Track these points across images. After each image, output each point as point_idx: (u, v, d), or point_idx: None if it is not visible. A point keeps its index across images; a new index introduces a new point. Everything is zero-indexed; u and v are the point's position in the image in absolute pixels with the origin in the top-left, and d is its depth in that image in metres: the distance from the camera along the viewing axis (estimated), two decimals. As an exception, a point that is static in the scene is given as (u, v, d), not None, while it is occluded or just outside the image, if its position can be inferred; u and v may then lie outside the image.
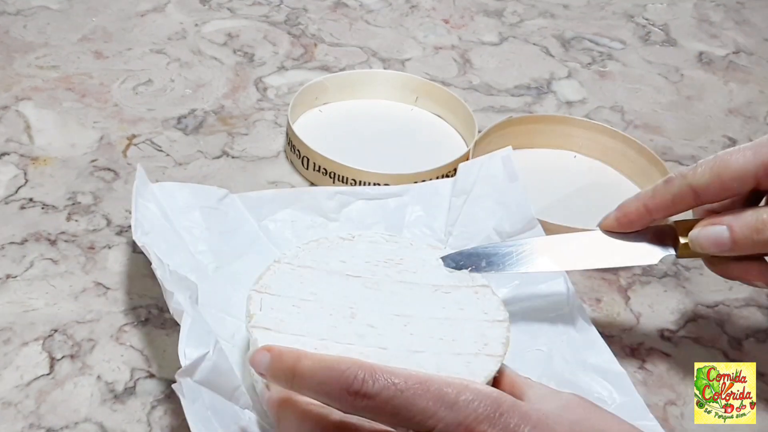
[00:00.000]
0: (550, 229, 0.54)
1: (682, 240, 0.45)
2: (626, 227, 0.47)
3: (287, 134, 0.64)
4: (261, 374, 0.37)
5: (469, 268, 0.47)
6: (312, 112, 0.69)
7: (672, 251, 0.46)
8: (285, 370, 0.36)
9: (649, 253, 0.47)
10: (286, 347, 0.37)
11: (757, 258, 0.44)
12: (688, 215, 0.47)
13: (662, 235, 0.47)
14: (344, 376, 0.34)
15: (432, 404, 0.34)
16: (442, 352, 0.42)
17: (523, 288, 0.51)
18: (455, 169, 0.58)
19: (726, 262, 0.45)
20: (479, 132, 0.64)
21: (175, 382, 0.39)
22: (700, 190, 0.44)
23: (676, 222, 0.47)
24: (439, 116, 0.70)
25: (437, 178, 0.59)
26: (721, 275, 0.46)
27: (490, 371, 0.41)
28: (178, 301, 0.42)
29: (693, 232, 0.44)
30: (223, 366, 0.41)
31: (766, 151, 0.42)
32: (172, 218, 0.50)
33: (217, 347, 0.41)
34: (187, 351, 0.40)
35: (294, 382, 0.35)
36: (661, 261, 0.46)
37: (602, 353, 0.48)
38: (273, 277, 0.45)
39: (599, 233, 0.48)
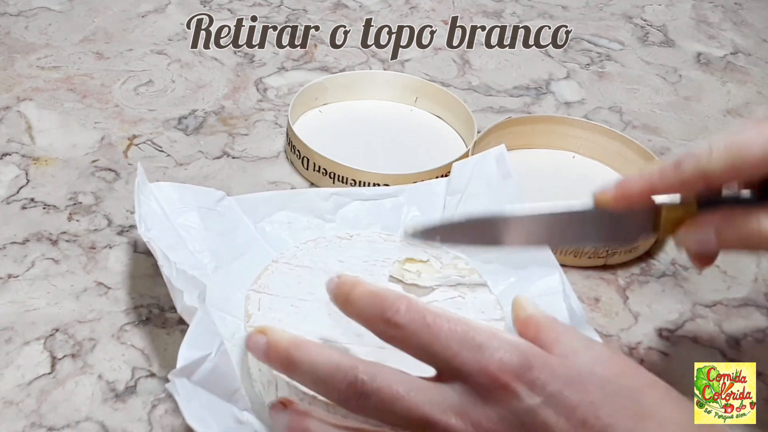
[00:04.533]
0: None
1: (665, 228, 0.44)
2: (624, 207, 0.43)
3: (287, 134, 0.64)
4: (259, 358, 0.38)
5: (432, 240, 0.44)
6: (312, 112, 0.69)
7: (651, 234, 0.44)
8: (342, 294, 0.38)
9: (628, 234, 0.45)
10: (348, 275, 0.38)
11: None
12: None
13: (644, 215, 0.44)
14: (383, 303, 0.36)
15: (455, 344, 0.34)
16: None
17: (519, 286, 0.52)
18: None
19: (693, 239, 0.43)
20: (478, 132, 0.64)
21: (168, 375, 0.39)
22: (713, 177, 0.41)
23: (660, 206, 0.44)
24: (438, 117, 0.70)
25: (437, 178, 0.59)
26: (680, 245, 0.44)
27: None
28: (190, 299, 0.43)
29: (681, 233, 0.43)
30: (224, 368, 0.42)
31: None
32: (171, 218, 0.51)
33: (221, 349, 0.41)
34: (185, 352, 0.40)
35: (347, 306, 0.38)
36: (638, 240, 0.45)
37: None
38: (271, 277, 0.45)
39: (579, 209, 0.44)
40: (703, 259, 0.44)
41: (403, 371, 0.36)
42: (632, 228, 0.45)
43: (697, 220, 0.42)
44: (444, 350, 0.34)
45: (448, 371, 0.35)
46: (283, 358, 0.37)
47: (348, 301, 0.37)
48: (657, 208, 0.44)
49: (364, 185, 0.59)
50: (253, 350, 0.38)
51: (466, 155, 0.61)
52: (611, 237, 0.45)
